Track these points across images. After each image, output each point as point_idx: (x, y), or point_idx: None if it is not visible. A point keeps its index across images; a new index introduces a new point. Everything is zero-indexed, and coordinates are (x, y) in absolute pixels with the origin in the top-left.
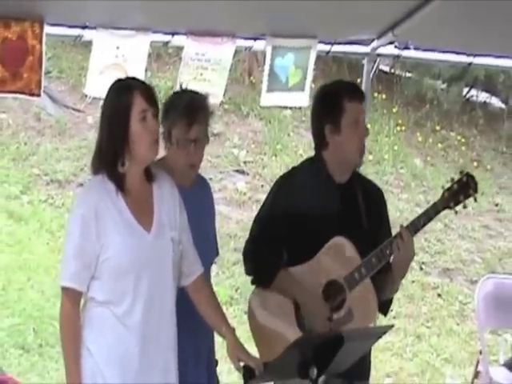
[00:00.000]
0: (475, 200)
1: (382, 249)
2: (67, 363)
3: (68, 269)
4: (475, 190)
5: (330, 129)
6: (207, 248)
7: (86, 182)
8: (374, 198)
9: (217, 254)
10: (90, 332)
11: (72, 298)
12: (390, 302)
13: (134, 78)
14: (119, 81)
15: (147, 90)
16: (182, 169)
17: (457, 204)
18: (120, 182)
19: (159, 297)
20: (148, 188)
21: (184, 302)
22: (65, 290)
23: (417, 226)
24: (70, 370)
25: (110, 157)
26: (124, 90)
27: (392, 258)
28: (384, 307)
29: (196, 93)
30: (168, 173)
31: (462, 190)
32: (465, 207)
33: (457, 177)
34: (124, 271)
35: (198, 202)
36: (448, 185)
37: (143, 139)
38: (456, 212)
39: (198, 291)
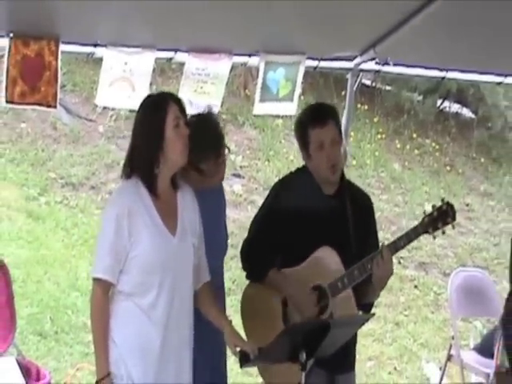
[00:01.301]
0: (453, 227)
1: (363, 263)
2: (97, 351)
3: (102, 262)
4: (453, 219)
5: (304, 155)
6: (217, 248)
7: (120, 185)
8: (362, 208)
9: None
10: (116, 324)
11: (104, 289)
12: (372, 304)
13: (167, 92)
14: (152, 95)
15: (179, 102)
16: (216, 183)
17: (435, 230)
18: (152, 184)
19: (180, 295)
20: (173, 196)
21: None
22: (98, 281)
23: (397, 246)
24: (100, 357)
25: (146, 160)
26: (160, 101)
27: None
28: (366, 309)
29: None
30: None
31: (441, 217)
32: (443, 233)
33: (437, 203)
34: (151, 268)
35: (213, 203)
36: (429, 211)
37: (176, 144)
38: (434, 237)
39: (203, 295)
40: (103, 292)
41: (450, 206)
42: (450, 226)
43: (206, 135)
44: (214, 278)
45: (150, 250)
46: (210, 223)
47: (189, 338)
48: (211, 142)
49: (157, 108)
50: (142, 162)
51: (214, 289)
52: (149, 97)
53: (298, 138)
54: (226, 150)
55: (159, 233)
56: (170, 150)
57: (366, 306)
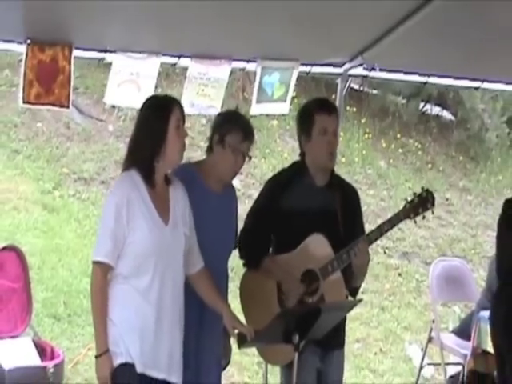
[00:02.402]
0: (432, 212)
1: (351, 247)
2: (97, 329)
3: (103, 247)
4: (433, 204)
5: (304, 139)
6: (224, 245)
7: (119, 177)
8: (350, 199)
9: (236, 246)
10: (114, 305)
11: (104, 271)
12: (358, 289)
13: (172, 96)
14: (158, 96)
15: (181, 107)
16: (225, 171)
17: (416, 215)
18: (150, 177)
19: (172, 278)
20: (166, 190)
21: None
22: (98, 264)
23: (381, 231)
24: (100, 335)
25: (148, 154)
26: (166, 103)
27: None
28: (353, 292)
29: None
30: (203, 174)
31: (421, 203)
32: (424, 218)
33: (418, 191)
34: (147, 252)
35: (223, 206)
36: (410, 198)
37: (176, 144)
38: (415, 222)
39: (200, 280)
40: (103, 275)
41: (429, 193)
42: (431, 219)
43: (242, 117)
44: (217, 280)
45: (146, 236)
46: (214, 225)
47: (179, 317)
48: (244, 122)
49: (162, 109)
50: (143, 156)
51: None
52: (154, 97)
53: (302, 121)
54: (247, 158)
55: (154, 221)
56: (169, 148)
57: (352, 290)
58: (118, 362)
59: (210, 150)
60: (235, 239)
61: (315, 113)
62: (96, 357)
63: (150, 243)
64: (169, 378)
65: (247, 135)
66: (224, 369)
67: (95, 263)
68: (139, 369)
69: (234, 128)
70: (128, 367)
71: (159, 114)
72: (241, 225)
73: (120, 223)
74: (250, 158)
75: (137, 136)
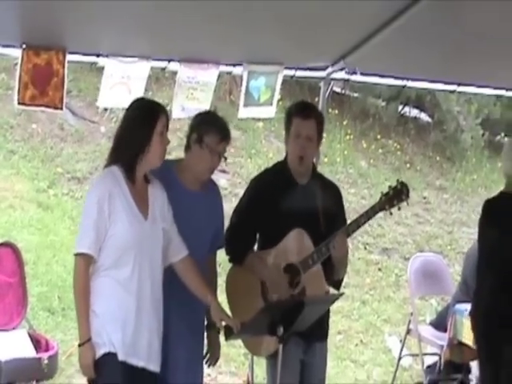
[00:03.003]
0: (407, 204)
1: (330, 241)
2: (80, 320)
3: (86, 239)
4: (407, 196)
5: (285, 139)
6: (200, 243)
7: (101, 172)
8: (331, 196)
9: (223, 244)
10: (96, 297)
11: (87, 262)
12: (341, 282)
13: (160, 104)
14: (146, 100)
15: (167, 114)
16: (201, 170)
17: (391, 207)
18: (132, 174)
19: (150, 270)
20: (145, 188)
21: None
22: (81, 255)
23: (353, 227)
24: (82, 325)
25: (131, 153)
26: (154, 109)
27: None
28: (336, 285)
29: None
30: (180, 171)
31: (396, 195)
32: (399, 209)
33: (393, 184)
34: (127, 245)
35: (199, 204)
36: (385, 191)
37: (158, 149)
38: (391, 213)
39: (185, 270)
40: (86, 266)
41: (403, 185)
42: (409, 216)
43: (220, 119)
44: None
45: (126, 229)
46: (188, 222)
47: (158, 308)
48: (221, 124)
49: (150, 114)
50: (127, 154)
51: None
52: (143, 100)
53: (285, 123)
54: (222, 159)
55: (134, 216)
56: (152, 151)
57: (335, 283)
58: (101, 352)
59: (187, 148)
60: (222, 236)
61: (293, 116)
62: (79, 345)
63: (131, 236)
64: (147, 366)
65: (224, 137)
66: (214, 364)
67: (78, 255)
68: (121, 357)
69: (211, 129)
70: (111, 356)
71: (147, 118)
72: (227, 222)
73: (102, 216)
74: (226, 158)
75: (123, 134)
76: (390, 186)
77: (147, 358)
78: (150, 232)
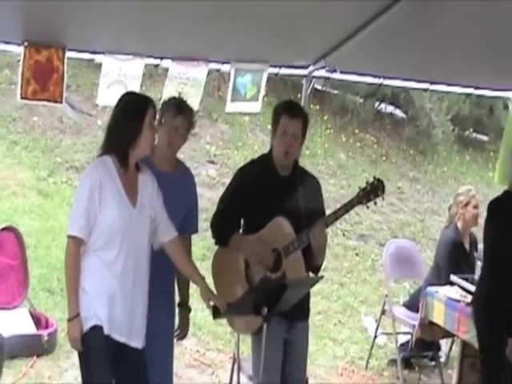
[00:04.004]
0: (383, 199)
1: (310, 229)
2: (69, 296)
3: (77, 223)
4: (383, 191)
5: (272, 134)
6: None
7: (93, 162)
8: (311, 187)
9: (195, 230)
10: (85, 276)
11: (78, 245)
12: (320, 267)
13: (148, 97)
14: (135, 94)
15: (155, 106)
16: (163, 148)
17: (368, 201)
18: (125, 161)
19: (135, 254)
20: (136, 176)
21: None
22: (73, 238)
23: (337, 215)
24: (72, 302)
25: (124, 143)
26: (143, 102)
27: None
28: (316, 270)
29: (185, 100)
30: (155, 156)
31: (372, 190)
32: (375, 204)
33: (370, 180)
34: (114, 230)
35: (169, 186)
36: (362, 186)
37: (147, 138)
38: (368, 207)
39: (175, 250)
40: (76, 248)
41: (379, 181)
42: (384, 205)
43: (178, 98)
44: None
45: (115, 215)
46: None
47: (142, 289)
48: (178, 101)
49: (140, 106)
50: (120, 145)
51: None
52: (131, 94)
53: (272, 119)
54: (186, 131)
55: (123, 203)
56: (142, 140)
57: (314, 269)
58: (89, 325)
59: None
60: (194, 223)
61: (281, 114)
62: (68, 320)
63: (118, 222)
64: (128, 342)
65: (179, 110)
66: (183, 339)
67: (70, 237)
68: (106, 331)
69: (168, 106)
70: (97, 329)
71: (137, 111)
72: (214, 208)
73: (93, 203)
74: (187, 133)
75: (115, 126)
76: (367, 182)
77: (128, 335)
78: (137, 219)
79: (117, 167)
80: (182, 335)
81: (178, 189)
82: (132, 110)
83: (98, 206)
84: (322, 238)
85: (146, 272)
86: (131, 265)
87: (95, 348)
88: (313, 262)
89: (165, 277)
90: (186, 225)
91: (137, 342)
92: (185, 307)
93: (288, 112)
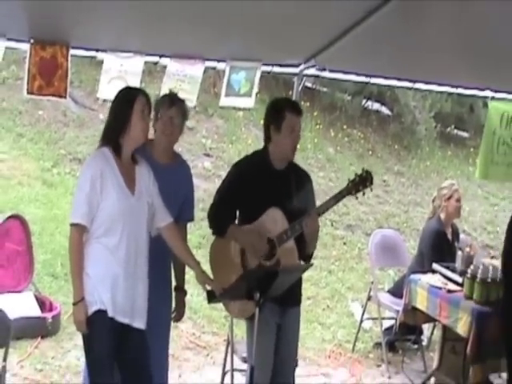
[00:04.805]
0: (371, 190)
1: (302, 219)
2: (74, 281)
3: (79, 211)
4: (371, 183)
5: (273, 128)
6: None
7: (93, 153)
8: (303, 182)
9: (191, 218)
10: (89, 261)
11: (81, 232)
12: (311, 255)
13: (138, 88)
14: (127, 87)
15: (146, 95)
16: (160, 140)
17: (357, 192)
18: (119, 150)
19: (136, 239)
20: (133, 167)
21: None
22: (76, 225)
23: (327, 206)
24: (76, 287)
25: (116, 132)
26: (131, 93)
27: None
28: (307, 259)
29: (177, 93)
30: (153, 149)
31: (361, 182)
32: (364, 194)
33: (359, 172)
34: (115, 217)
35: (168, 177)
36: (352, 177)
37: (139, 124)
38: (357, 198)
39: (171, 235)
40: (79, 235)
41: (368, 173)
42: (371, 197)
43: (171, 92)
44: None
45: (115, 203)
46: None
47: (142, 272)
48: (171, 93)
49: (128, 96)
50: (111, 133)
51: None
52: (124, 89)
53: (273, 114)
54: (181, 122)
55: (122, 191)
56: (133, 127)
57: (306, 257)
58: (93, 309)
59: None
60: (190, 211)
61: (287, 111)
62: (73, 304)
63: (118, 209)
64: (132, 323)
65: (172, 102)
66: (179, 320)
67: (73, 225)
68: (110, 313)
69: (162, 101)
70: (101, 313)
71: (125, 100)
72: (211, 199)
73: (94, 192)
74: (182, 124)
75: (108, 119)
76: (356, 174)
77: (131, 316)
78: (136, 206)
79: (115, 158)
80: (178, 317)
81: (175, 179)
82: (121, 100)
83: (99, 194)
84: (314, 226)
85: (145, 256)
86: (132, 249)
87: (99, 331)
88: (305, 251)
89: (162, 262)
90: (182, 213)
91: (139, 323)
92: (181, 291)
93: (294, 110)
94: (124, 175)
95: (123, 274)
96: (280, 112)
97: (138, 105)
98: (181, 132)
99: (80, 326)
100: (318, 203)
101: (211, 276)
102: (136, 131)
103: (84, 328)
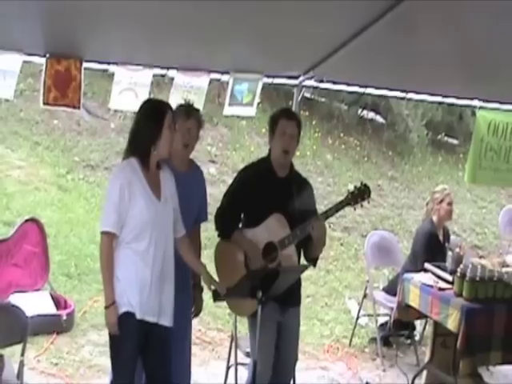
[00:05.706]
0: (368, 202)
1: (304, 226)
2: (105, 286)
3: (109, 219)
4: (369, 195)
5: (270, 136)
6: (188, 216)
7: (119, 163)
8: (305, 189)
9: (206, 218)
10: (119, 265)
11: (110, 239)
12: (317, 258)
13: (166, 102)
14: (154, 100)
15: (172, 110)
16: (178, 150)
17: (355, 203)
18: (147, 162)
19: (164, 243)
20: (158, 173)
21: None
22: (106, 233)
23: (328, 214)
24: (107, 290)
25: (147, 144)
26: (162, 106)
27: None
28: (314, 261)
29: (192, 104)
30: (172, 157)
31: (359, 194)
32: (361, 206)
33: (358, 185)
34: (144, 223)
35: (188, 183)
36: (351, 189)
37: (167, 139)
38: (355, 209)
39: (183, 246)
40: (109, 242)
41: (366, 186)
42: (366, 201)
43: (185, 104)
44: None
45: (143, 210)
46: (180, 200)
47: (169, 274)
48: (186, 106)
49: (159, 111)
50: (142, 147)
51: None
52: (150, 101)
53: (270, 125)
54: (196, 132)
55: (150, 198)
56: (162, 141)
57: (313, 260)
58: (122, 310)
59: None
60: (205, 212)
61: (279, 118)
62: (105, 308)
63: (147, 216)
64: (159, 321)
65: (189, 114)
66: (197, 315)
67: (103, 233)
68: (139, 316)
69: (179, 113)
70: (130, 315)
71: (156, 115)
72: (217, 204)
73: (123, 200)
74: (198, 133)
75: (137, 131)
76: (355, 186)
77: (158, 315)
78: (162, 211)
79: (141, 167)
80: (197, 311)
81: (194, 185)
82: (152, 115)
83: (128, 202)
84: (320, 229)
85: (172, 258)
86: (160, 253)
87: (125, 332)
88: (312, 254)
89: (183, 263)
90: (198, 215)
91: (165, 321)
92: (197, 287)
93: (285, 114)
94: (150, 183)
95: (151, 277)
96: (274, 120)
97: (167, 120)
98: (197, 141)
99: (112, 328)
100: (319, 207)
101: (216, 275)
102: (165, 145)
103: (116, 329)
